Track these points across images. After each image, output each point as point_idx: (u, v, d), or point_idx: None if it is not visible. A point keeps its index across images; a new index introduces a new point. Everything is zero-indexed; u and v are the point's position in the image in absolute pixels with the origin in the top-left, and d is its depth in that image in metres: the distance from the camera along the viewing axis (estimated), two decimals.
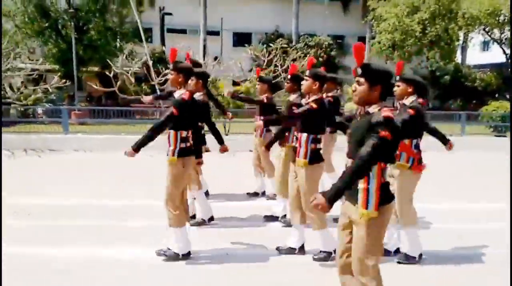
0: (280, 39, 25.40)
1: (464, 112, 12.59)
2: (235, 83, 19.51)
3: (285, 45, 20.83)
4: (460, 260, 3.95)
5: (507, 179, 6.82)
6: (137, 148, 3.54)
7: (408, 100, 3.79)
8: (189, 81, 3.96)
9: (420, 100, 3.74)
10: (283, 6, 27.74)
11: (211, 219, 4.89)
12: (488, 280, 3.61)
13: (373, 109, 2.45)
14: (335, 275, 2.76)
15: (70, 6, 18.69)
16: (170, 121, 3.66)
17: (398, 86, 3.84)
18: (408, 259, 3.85)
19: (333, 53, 25.70)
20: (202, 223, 4.79)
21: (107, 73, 12.71)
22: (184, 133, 3.75)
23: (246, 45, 21.49)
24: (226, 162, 7.81)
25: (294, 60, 20.31)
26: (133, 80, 13.27)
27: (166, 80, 12.71)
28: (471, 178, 7.84)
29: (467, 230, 4.80)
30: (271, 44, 19.28)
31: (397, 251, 3.97)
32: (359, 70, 2.47)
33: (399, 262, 3.84)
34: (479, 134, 12.31)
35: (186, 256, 3.85)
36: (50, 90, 13.74)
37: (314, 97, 3.68)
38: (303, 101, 3.92)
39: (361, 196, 2.44)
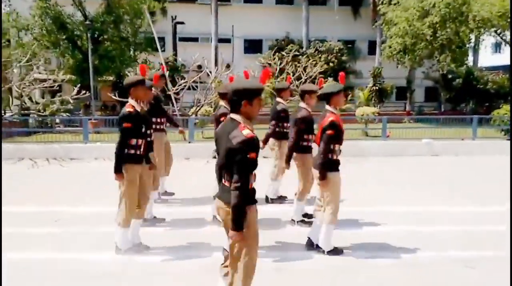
0: (291, 45, 25.65)
1: (476, 116, 12.59)
2: None
3: (297, 52, 20.97)
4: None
5: None
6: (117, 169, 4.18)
7: None
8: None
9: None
10: (293, 12, 28.00)
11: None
12: None
13: None
14: None
15: (86, 18, 19.23)
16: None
17: None
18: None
19: (344, 58, 25.83)
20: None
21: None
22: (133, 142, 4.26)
23: (258, 53, 21.65)
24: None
25: (305, 67, 20.56)
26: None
27: (182, 89, 13.06)
28: (478, 182, 7.93)
29: (471, 233, 4.96)
30: (283, 53, 19.45)
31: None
32: None
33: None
34: (491, 138, 12.31)
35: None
36: (71, 101, 14.12)
37: None
38: None
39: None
